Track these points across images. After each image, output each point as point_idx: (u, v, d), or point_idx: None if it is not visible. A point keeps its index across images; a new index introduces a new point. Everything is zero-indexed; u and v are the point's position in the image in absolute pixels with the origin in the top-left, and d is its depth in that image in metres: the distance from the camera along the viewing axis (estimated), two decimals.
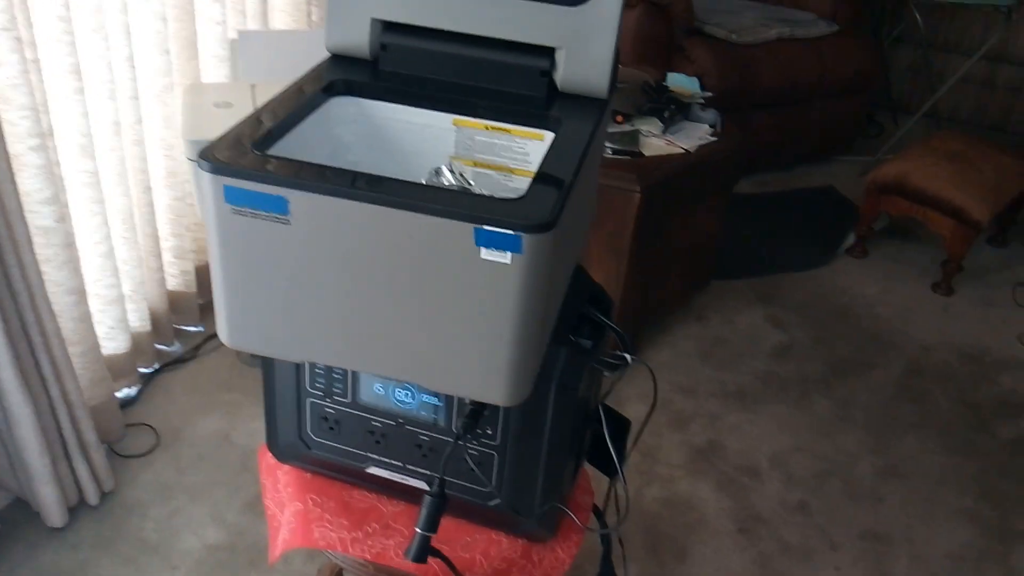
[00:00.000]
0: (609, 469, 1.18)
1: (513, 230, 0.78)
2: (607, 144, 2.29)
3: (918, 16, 4.24)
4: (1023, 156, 3.26)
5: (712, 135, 2.43)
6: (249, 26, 2.32)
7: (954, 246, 3.07)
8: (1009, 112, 4.48)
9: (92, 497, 1.92)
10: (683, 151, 2.34)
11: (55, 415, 1.82)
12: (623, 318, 2.39)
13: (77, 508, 1.93)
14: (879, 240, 3.38)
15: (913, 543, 2.06)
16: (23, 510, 1.91)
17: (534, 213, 0.79)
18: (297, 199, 0.83)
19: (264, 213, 0.85)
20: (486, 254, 0.79)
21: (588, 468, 1.28)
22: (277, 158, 0.87)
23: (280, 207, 0.84)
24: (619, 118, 2.40)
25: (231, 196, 0.85)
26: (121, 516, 1.94)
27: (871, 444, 2.35)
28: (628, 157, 2.28)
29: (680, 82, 2.65)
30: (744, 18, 3.68)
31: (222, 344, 2.51)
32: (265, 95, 1.08)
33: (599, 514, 1.28)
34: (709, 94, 2.59)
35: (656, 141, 2.36)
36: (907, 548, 2.04)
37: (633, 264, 2.31)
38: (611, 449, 1.14)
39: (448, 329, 0.87)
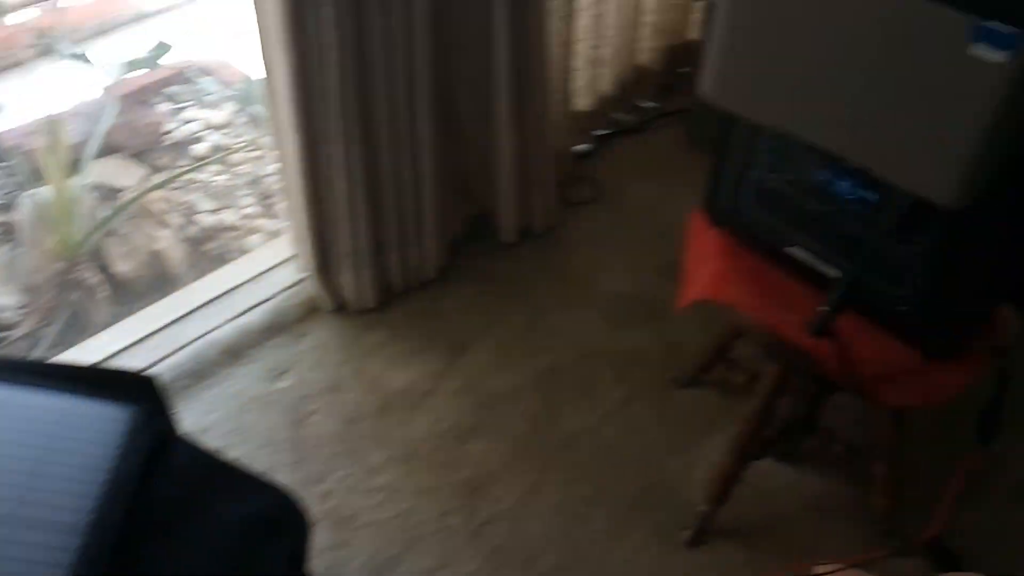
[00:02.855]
0: None
1: (1014, 28, 0.79)
2: None
3: None
4: None
5: None
6: None
7: None
8: None
9: (539, 226, 2.27)
10: None
11: (527, 150, 2.11)
12: None
13: (525, 233, 2.28)
14: None
15: None
16: (485, 223, 2.29)
17: None
18: None
19: None
20: (977, 50, 0.82)
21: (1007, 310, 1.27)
22: None
23: None
24: None
25: None
26: (557, 249, 2.28)
27: None
28: None
29: None
30: None
31: (671, 124, 2.66)
32: None
33: (1003, 352, 1.28)
34: None
35: None
36: None
37: None
38: None
39: (917, 119, 0.92)
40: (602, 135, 2.57)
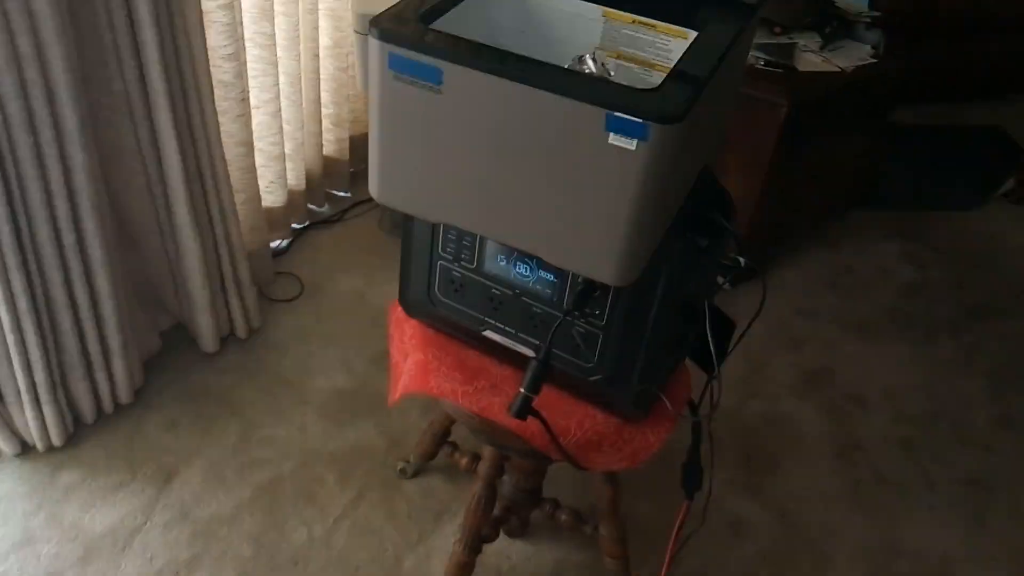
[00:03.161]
0: (708, 366, 1.24)
1: (641, 118, 0.84)
2: (760, 55, 2.26)
3: None
4: None
5: (872, 57, 2.36)
6: None
7: None
8: None
9: (241, 331, 2.15)
10: (839, 70, 2.29)
11: (217, 253, 2.02)
12: (754, 233, 2.40)
13: (227, 339, 2.16)
14: None
15: (1017, 496, 2.05)
16: (182, 334, 2.15)
17: (663, 104, 0.85)
18: (450, 71, 0.92)
19: (420, 81, 0.94)
20: (614, 139, 0.86)
21: (690, 365, 1.36)
22: (437, 32, 0.96)
23: (435, 77, 0.93)
24: (777, 29, 2.36)
25: (393, 63, 0.94)
26: (264, 351, 2.17)
27: (990, 393, 2.32)
28: (780, 70, 2.25)
29: None
30: None
31: (367, 211, 2.68)
32: None
33: (693, 408, 1.36)
34: (877, 13, 2.50)
35: (812, 57, 2.31)
36: (1010, 500, 2.04)
37: (770, 180, 2.31)
38: (711, 346, 1.19)
39: (571, 206, 0.95)
40: (299, 229, 2.52)
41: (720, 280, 1.30)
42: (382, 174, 1.04)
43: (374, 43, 0.94)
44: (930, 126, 3.58)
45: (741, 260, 1.12)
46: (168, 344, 2.12)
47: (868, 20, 2.47)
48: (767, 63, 2.27)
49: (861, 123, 2.56)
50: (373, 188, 1.06)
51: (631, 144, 0.86)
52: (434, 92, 0.93)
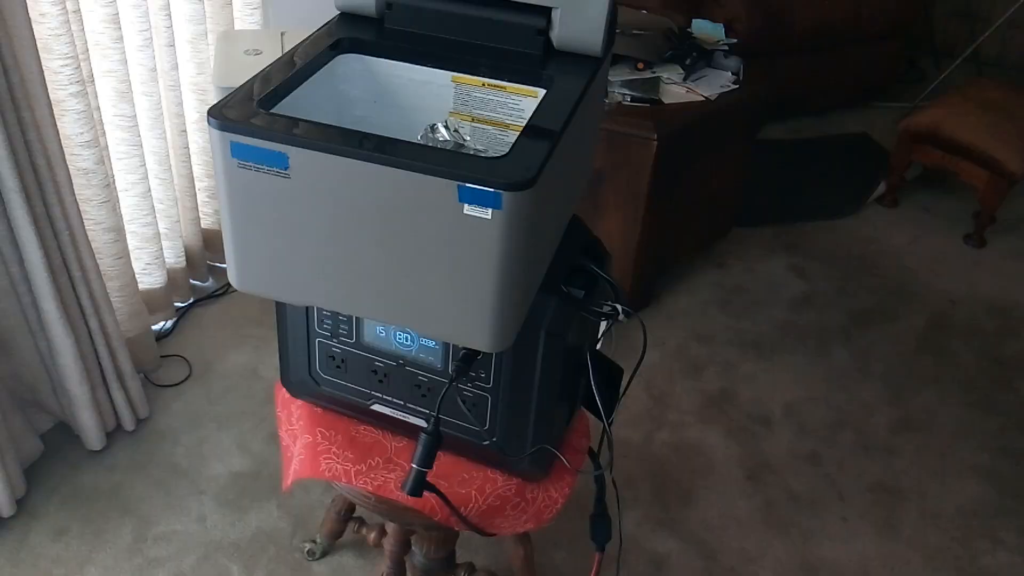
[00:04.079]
0: (600, 414, 1.23)
1: (493, 188, 0.83)
2: (626, 91, 2.30)
3: None
4: None
5: (734, 82, 2.43)
6: None
7: (987, 197, 3.04)
8: None
9: (128, 423, 2.05)
10: (703, 98, 2.34)
11: (94, 346, 1.93)
12: (640, 265, 2.43)
13: (114, 433, 2.06)
14: (911, 190, 3.35)
15: (924, 497, 2.10)
16: (65, 433, 2.04)
17: (514, 171, 0.84)
18: (296, 155, 0.89)
19: (266, 167, 0.91)
20: (469, 210, 0.84)
21: (588, 413, 1.34)
22: (278, 116, 0.93)
23: (280, 162, 0.90)
24: (640, 65, 2.41)
25: (236, 151, 0.91)
26: (154, 441, 2.07)
27: (888, 397, 2.38)
28: (647, 105, 2.29)
29: (704, 28, 2.64)
30: None
31: None
32: (294, 42, 1.14)
33: (594, 457, 1.34)
34: (733, 40, 2.58)
35: (676, 88, 2.36)
36: (918, 502, 2.08)
37: (650, 211, 2.34)
38: (597, 396, 1.19)
39: (435, 279, 0.92)
40: (183, 307, 2.43)
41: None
42: (239, 262, 1.00)
43: (214, 133, 0.90)
44: (800, 140, 3.71)
45: (620, 308, 1.11)
46: (50, 446, 2.01)
47: (726, 48, 2.54)
48: (634, 99, 2.31)
49: (731, 145, 2.63)
50: (232, 277, 1.02)
51: (487, 213, 0.85)
52: (282, 177, 0.90)
